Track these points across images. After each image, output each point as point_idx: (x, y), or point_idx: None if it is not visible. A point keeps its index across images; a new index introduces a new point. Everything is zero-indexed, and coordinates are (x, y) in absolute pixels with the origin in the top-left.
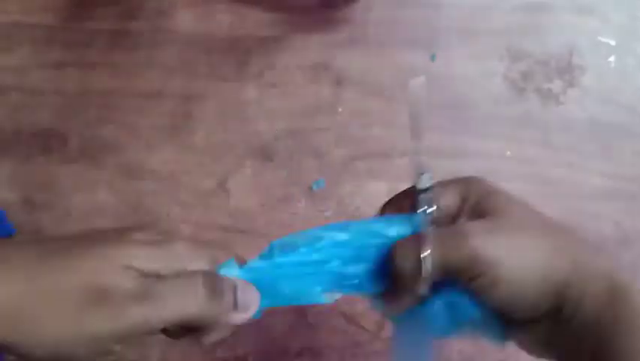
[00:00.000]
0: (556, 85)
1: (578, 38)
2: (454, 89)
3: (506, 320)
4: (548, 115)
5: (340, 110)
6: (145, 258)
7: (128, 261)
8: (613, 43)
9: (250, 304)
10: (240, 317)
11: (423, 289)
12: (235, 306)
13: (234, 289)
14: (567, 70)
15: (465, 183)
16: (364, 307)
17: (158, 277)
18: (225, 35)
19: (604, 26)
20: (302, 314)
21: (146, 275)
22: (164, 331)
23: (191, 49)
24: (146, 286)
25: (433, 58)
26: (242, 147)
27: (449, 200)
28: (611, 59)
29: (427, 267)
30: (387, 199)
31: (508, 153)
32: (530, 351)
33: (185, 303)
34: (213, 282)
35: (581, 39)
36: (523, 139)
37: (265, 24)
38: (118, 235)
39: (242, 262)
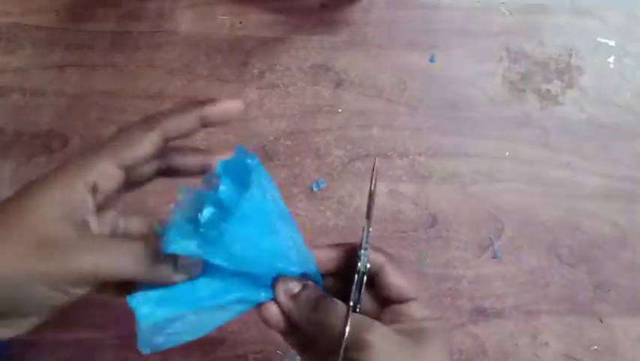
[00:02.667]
0: (556, 86)
1: (577, 39)
2: (454, 89)
3: None
4: (547, 116)
5: (340, 110)
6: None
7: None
8: (612, 43)
9: (191, 270)
10: (178, 278)
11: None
12: (175, 270)
13: (175, 257)
14: (566, 71)
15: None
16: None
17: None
18: (226, 37)
19: (603, 27)
20: None
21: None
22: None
23: (192, 50)
24: (99, 241)
25: (432, 59)
26: None
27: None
28: (610, 59)
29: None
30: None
31: (507, 153)
32: None
33: (127, 263)
34: (154, 250)
35: (580, 40)
36: (522, 140)
37: (266, 25)
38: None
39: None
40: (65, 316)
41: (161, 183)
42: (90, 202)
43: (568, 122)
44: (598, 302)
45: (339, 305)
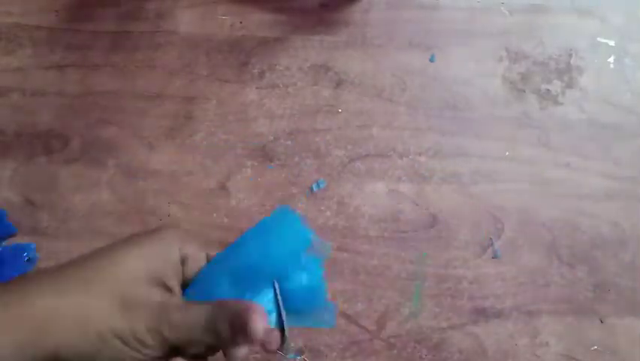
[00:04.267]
0: (555, 86)
1: (577, 39)
2: (454, 90)
3: None
4: (547, 116)
5: (340, 110)
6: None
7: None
8: (612, 43)
9: (269, 339)
10: (243, 352)
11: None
12: (233, 341)
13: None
14: (566, 71)
15: None
16: (364, 307)
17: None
18: (226, 37)
19: (603, 27)
20: None
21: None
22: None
23: (192, 50)
24: (167, 307)
25: (432, 59)
26: (242, 148)
27: None
28: (610, 59)
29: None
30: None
31: (507, 153)
32: None
33: (190, 330)
34: (214, 318)
35: (580, 40)
36: (522, 140)
37: (266, 25)
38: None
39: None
40: None
41: (159, 182)
42: (180, 271)
43: (568, 122)
44: (598, 302)
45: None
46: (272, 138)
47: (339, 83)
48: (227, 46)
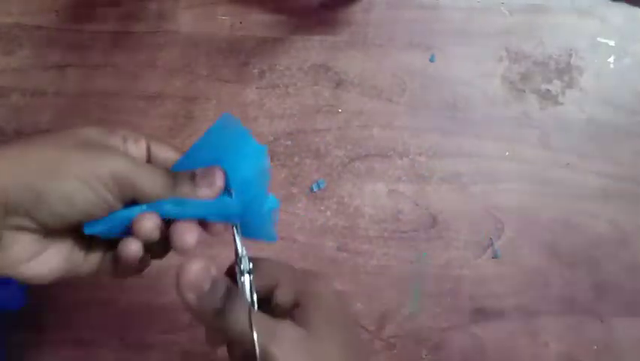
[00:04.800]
0: (555, 86)
1: (577, 39)
2: (453, 90)
3: None
4: (547, 116)
5: (340, 110)
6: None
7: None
8: (612, 43)
9: (212, 181)
10: (204, 192)
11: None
12: (195, 185)
13: (192, 176)
14: (566, 71)
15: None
16: (364, 307)
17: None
18: (226, 37)
19: (603, 27)
20: None
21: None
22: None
23: (192, 50)
24: (133, 157)
25: (432, 59)
26: None
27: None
28: (610, 59)
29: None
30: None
31: (507, 153)
32: None
33: (153, 178)
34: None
35: (580, 40)
36: (521, 140)
37: (266, 25)
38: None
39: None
40: (65, 316)
41: None
42: (123, 146)
43: (568, 122)
44: (598, 302)
45: (243, 306)
46: (272, 138)
47: (339, 83)
48: (227, 46)
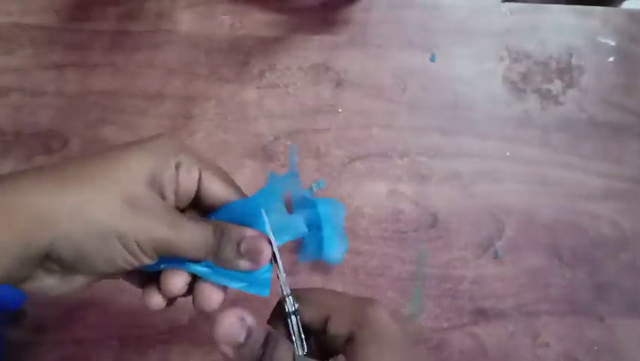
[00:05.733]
0: (556, 85)
1: (577, 39)
2: (454, 89)
3: None
4: (548, 115)
5: (340, 110)
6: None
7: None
8: (612, 43)
9: (257, 258)
10: (245, 265)
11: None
12: (238, 255)
13: (240, 240)
14: (566, 70)
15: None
16: None
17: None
18: (226, 36)
19: (603, 27)
20: None
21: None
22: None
23: (192, 50)
24: (177, 216)
25: (432, 59)
26: (242, 148)
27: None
28: (611, 59)
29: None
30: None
31: (508, 153)
32: None
33: (194, 242)
34: (220, 233)
35: (580, 40)
36: (522, 140)
37: (266, 25)
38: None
39: None
40: (65, 316)
41: None
42: (175, 178)
43: (568, 122)
44: (598, 302)
45: (286, 352)
46: (272, 138)
47: (339, 83)
48: (227, 46)
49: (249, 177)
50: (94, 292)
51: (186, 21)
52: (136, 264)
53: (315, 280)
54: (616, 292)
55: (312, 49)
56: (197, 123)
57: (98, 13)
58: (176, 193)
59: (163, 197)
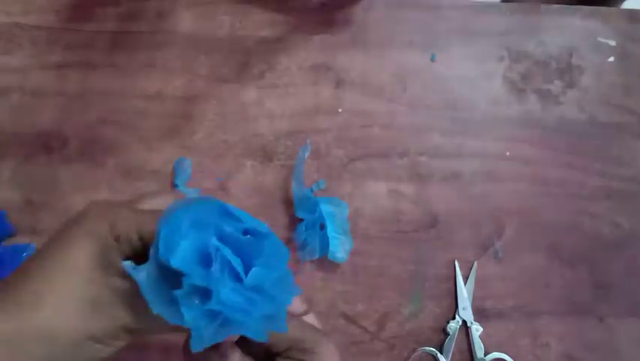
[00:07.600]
0: (556, 85)
1: (578, 39)
2: (454, 89)
3: None
4: (548, 115)
5: (340, 110)
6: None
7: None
8: (612, 43)
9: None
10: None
11: None
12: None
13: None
14: (567, 70)
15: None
16: (364, 308)
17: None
18: (226, 36)
19: (603, 27)
20: None
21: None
22: None
23: (192, 50)
24: (131, 296)
25: (432, 58)
26: (242, 148)
27: None
28: (611, 59)
29: None
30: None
31: (508, 153)
32: None
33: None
34: None
35: (581, 40)
36: (522, 139)
37: (266, 25)
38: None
39: None
40: None
41: (158, 182)
42: (116, 249)
43: (568, 122)
44: (598, 302)
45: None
46: (272, 138)
47: (339, 83)
48: (227, 46)
49: (249, 177)
50: None
51: (186, 21)
52: (110, 350)
53: (316, 280)
54: (616, 292)
55: (312, 49)
56: (197, 123)
57: (98, 13)
58: (131, 246)
59: (117, 269)
